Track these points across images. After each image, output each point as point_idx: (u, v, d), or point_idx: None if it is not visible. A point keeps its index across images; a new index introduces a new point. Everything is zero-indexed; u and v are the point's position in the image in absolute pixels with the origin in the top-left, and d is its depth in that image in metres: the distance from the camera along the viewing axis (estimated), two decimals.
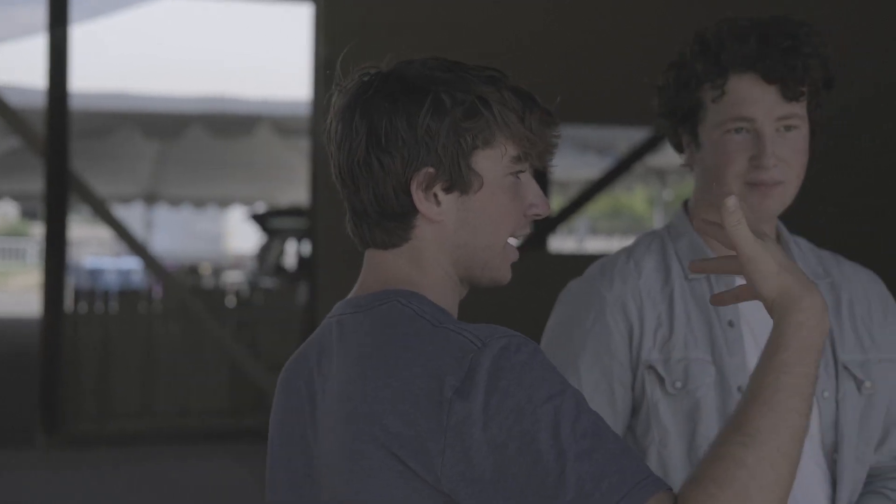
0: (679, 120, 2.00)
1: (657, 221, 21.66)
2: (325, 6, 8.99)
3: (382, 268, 1.48)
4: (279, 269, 16.80)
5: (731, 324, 1.93)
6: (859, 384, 1.97)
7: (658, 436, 1.91)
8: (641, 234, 2.09)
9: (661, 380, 1.92)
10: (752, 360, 1.91)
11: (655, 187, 20.38)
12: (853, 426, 1.95)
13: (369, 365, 1.38)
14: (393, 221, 1.45)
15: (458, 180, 1.43)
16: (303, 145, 11.97)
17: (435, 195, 1.43)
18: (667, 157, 12.81)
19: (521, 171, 1.47)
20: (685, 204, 2.09)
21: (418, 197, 1.43)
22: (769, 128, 1.91)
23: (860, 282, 2.08)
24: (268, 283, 14.86)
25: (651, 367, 1.92)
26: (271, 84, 30.86)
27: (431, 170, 1.42)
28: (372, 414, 1.35)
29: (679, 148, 2.05)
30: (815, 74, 1.92)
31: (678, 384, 1.91)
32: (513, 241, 1.50)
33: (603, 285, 1.96)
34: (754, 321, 1.94)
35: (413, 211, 1.44)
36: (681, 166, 2.10)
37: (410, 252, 1.46)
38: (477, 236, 1.45)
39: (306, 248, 14.79)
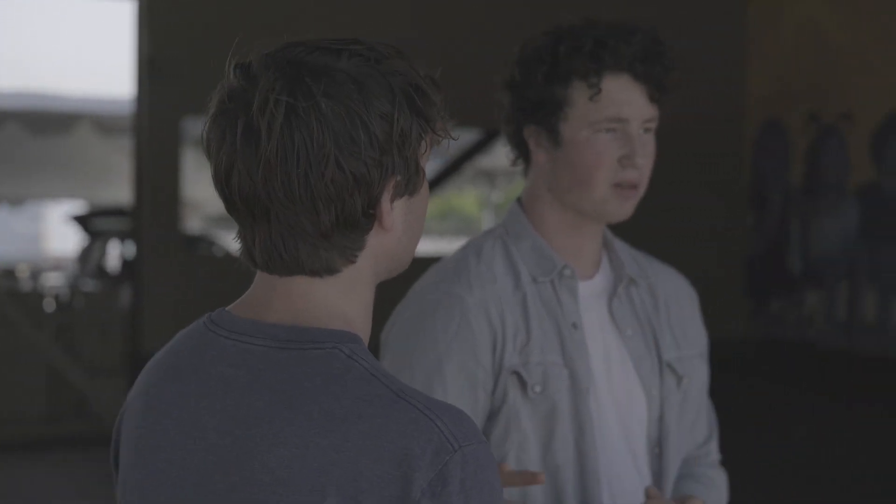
0: (539, 117, 1.96)
1: (487, 223, 21.95)
2: (147, 3, 8.78)
3: (304, 298, 1.25)
4: (101, 272, 16.35)
5: (574, 326, 1.94)
6: (679, 380, 2.03)
7: (518, 441, 1.90)
8: (481, 234, 2.05)
9: (523, 385, 1.90)
10: (593, 362, 1.93)
11: (485, 189, 20.64)
12: (675, 420, 2.01)
13: (307, 426, 1.18)
14: (347, 241, 1.24)
15: (414, 182, 1.26)
16: (125, 144, 11.69)
17: (393, 202, 1.25)
18: (495, 158, 12.96)
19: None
20: (520, 201, 2.05)
21: (385, 209, 1.24)
22: (638, 129, 1.94)
23: (671, 281, 2.12)
24: (89, 285, 14.45)
25: (514, 373, 1.90)
26: (92, 81, 30.09)
27: (399, 177, 1.24)
28: (298, 486, 1.17)
29: (519, 146, 2.01)
30: (671, 79, 1.97)
31: (538, 388, 1.91)
32: None
33: (463, 290, 1.92)
34: (590, 324, 1.96)
35: (369, 226, 1.24)
36: (510, 165, 2.06)
37: (347, 279, 1.26)
38: (413, 238, 1.31)
39: (129, 249, 14.44)
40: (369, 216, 1.23)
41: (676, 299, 2.11)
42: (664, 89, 1.96)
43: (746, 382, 8.07)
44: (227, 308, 1.30)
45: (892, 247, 9.04)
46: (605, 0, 9.50)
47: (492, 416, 1.92)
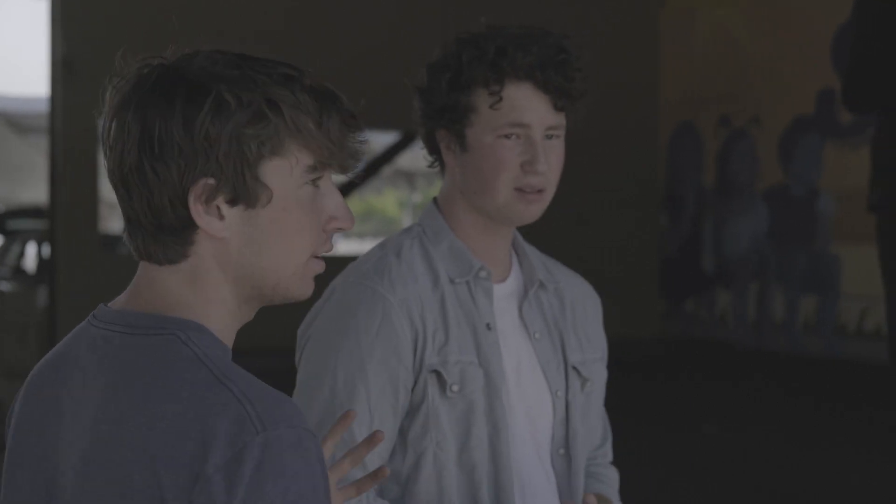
0: (446, 122, 1.99)
1: (407, 224, 21.93)
2: (60, 2, 8.68)
3: (157, 285, 1.32)
4: (18, 272, 16.08)
5: (488, 327, 1.98)
6: (583, 382, 2.07)
7: (436, 439, 1.93)
8: (398, 233, 2.07)
9: (442, 384, 1.93)
10: (505, 362, 1.97)
11: (405, 190, 20.64)
12: (580, 421, 2.06)
13: (130, 404, 1.24)
14: (169, 235, 1.29)
15: (243, 193, 1.27)
16: (41, 143, 11.52)
17: (218, 208, 1.27)
18: (415, 160, 12.99)
19: (319, 180, 1.32)
20: (436, 202, 2.09)
21: (197, 210, 1.26)
22: (540, 135, 1.96)
23: (577, 286, 2.17)
24: (5, 286, 14.21)
25: (434, 371, 1.93)
26: (6, 80, 29.49)
27: (211, 181, 1.25)
28: (119, 461, 1.23)
29: (432, 148, 2.05)
30: (579, 87, 1.98)
31: (455, 387, 1.93)
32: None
33: (384, 288, 1.93)
34: (502, 326, 2.00)
35: (192, 225, 1.28)
36: (428, 167, 2.10)
37: (189, 270, 1.30)
38: (265, 255, 1.30)
39: (47, 250, 14.23)
40: (183, 214, 1.27)
41: (582, 304, 2.15)
42: (568, 97, 1.98)
43: (660, 380, 8.21)
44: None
45: (800, 248, 9.24)
46: (521, 4, 9.61)
47: (410, 413, 1.94)
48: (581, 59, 1.99)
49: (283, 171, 1.28)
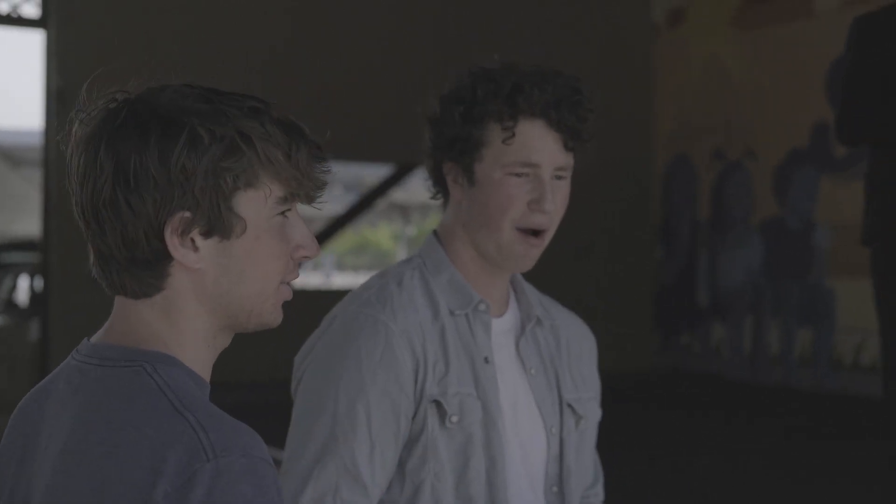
0: (456, 154, 1.99)
1: (401, 257, 21.96)
2: (56, 33, 8.70)
3: (132, 318, 1.33)
4: (10, 305, 16.05)
5: (486, 360, 1.98)
6: (578, 420, 2.08)
7: (434, 470, 1.93)
8: (398, 264, 2.08)
9: (442, 414, 1.93)
10: (502, 397, 1.98)
11: (399, 223, 20.67)
12: (574, 458, 2.06)
13: (92, 434, 1.26)
14: (144, 269, 1.30)
15: (218, 225, 1.29)
16: (34, 176, 11.52)
17: (192, 240, 1.29)
18: (409, 193, 13.01)
19: (289, 211, 1.35)
20: (436, 234, 2.09)
21: (173, 243, 1.28)
22: (549, 175, 1.96)
23: (573, 326, 2.18)
24: None
25: (434, 402, 1.93)
26: (1, 112, 29.63)
27: (188, 214, 1.27)
28: (75, 490, 1.24)
29: (438, 180, 2.06)
30: (590, 128, 2.00)
31: (455, 418, 1.93)
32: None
33: (387, 317, 1.94)
34: (499, 360, 2.00)
35: (167, 258, 1.29)
36: (430, 198, 2.11)
37: (163, 303, 1.32)
38: (240, 284, 1.32)
39: (39, 283, 14.21)
40: (158, 248, 1.29)
41: (578, 343, 2.16)
42: (579, 137, 1.99)
43: (654, 413, 8.19)
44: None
45: (795, 281, 9.24)
46: (517, 39, 9.65)
47: (409, 444, 1.94)
48: (593, 101, 2.01)
49: (257, 203, 1.31)
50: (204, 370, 1.35)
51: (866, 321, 4.26)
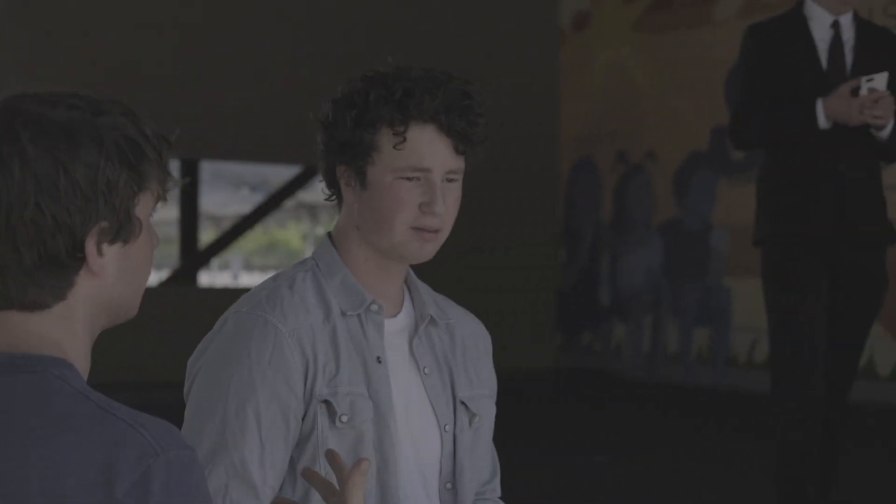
0: (348, 158, 2.01)
1: None
2: None
3: (20, 329, 1.32)
4: None
5: (379, 360, 2.01)
6: (472, 418, 2.11)
7: (325, 469, 1.92)
8: (292, 266, 2.10)
9: (332, 414, 1.95)
10: (394, 395, 2.00)
11: (308, 223, 20.59)
12: (468, 456, 2.09)
13: (21, 440, 1.25)
14: (53, 280, 1.30)
15: (124, 230, 1.32)
16: None
17: (101, 248, 1.31)
18: (318, 193, 12.99)
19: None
20: (330, 236, 2.11)
21: (92, 254, 1.30)
22: (440, 178, 1.99)
23: (468, 324, 2.21)
24: None
25: (325, 402, 1.95)
26: None
27: (105, 223, 1.30)
28: (23, 496, 1.24)
29: (332, 183, 2.08)
30: (481, 132, 2.02)
31: (345, 418, 1.95)
32: None
33: (277, 318, 1.95)
34: (392, 360, 2.03)
35: (77, 268, 1.31)
36: (325, 200, 2.13)
37: (62, 312, 1.33)
38: (132, 284, 1.37)
39: None
40: (75, 258, 1.30)
41: (473, 342, 2.18)
42: (470, 141, 2.01)
43: (555, 412, 8.29)
44: None
45: (693, 282, 9.43)
46: (422, 44, 9.72)
47: (300, 444, 1.96)
48: (484, 105, 2.03)
49: (146, 205, 1.35)
50: (85, 371, 1.37)
51: (761, 320, 4.40)
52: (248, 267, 36.98)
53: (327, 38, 9.25)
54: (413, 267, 2.14)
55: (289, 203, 12.80)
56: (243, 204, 13.98)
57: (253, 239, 28.37)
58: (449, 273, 9.38)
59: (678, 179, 9.57)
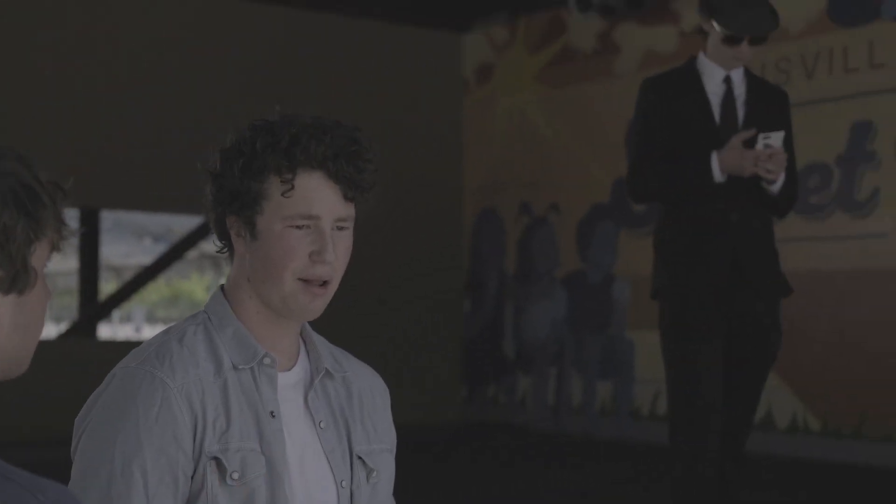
0: (237, 208, 1.99)
1: None
2: None
3: None
4: None
5: (272, 414, 1.98)
6: (369, 473, 2.08)
7: None
8: (183, 320, 2.07)
9: (222, 471, 1.92)
10: (289, 450, 1.97)
11: (211, 274, 20.41)
12: None
13: None
14: None
15: (19, 280, 1.29)
16: None
17: None
18: None
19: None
20: (223, 289, 2.09)
21: None
22: (330, 226, 1.97)
23: (365, 377, 2.18)
24: None
25: (214, 458, 1.92)
26: None
27: (1, 272, 1.27)
28: None
29: (222, 234, 2.06)
30: (370, 178, 2.01)
31: (236, 475, 1.92)
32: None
33: (165, 373, 1.91)
34: (287, 414, 2.00)
35: None
36: (217, 252, 2.11)
37: None
38: (26, 337, 1.33)
39: None
40: None
41: (370, 395, 2.16)
42: (359, 188, 2.00)
43: (459, 464, 8.26)
44: None
45: (596, 334, 9.50)
46: (326, 93, 9.68)
47: (190, 501, 1.92)
48: (373, 152, 2.02)
49: (42, 254, 1.32)
50: None
51: (663, 372, 4.44)
52: (151, 319, 36.54)
53: (230, 88, 9.20)
54: (315, 322, 2.11)
55: (192, 254, 12.65)
56: (146, 255, 13.80)
57: (156, 290, 28.04)
58: (353, 324, 9.34)
59: (581, 231, 9.65)
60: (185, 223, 11.87)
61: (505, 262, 10.33)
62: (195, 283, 35.84)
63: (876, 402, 7.53)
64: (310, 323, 2.11)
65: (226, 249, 2.08)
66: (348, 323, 9.28)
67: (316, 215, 1.96)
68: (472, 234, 10.64)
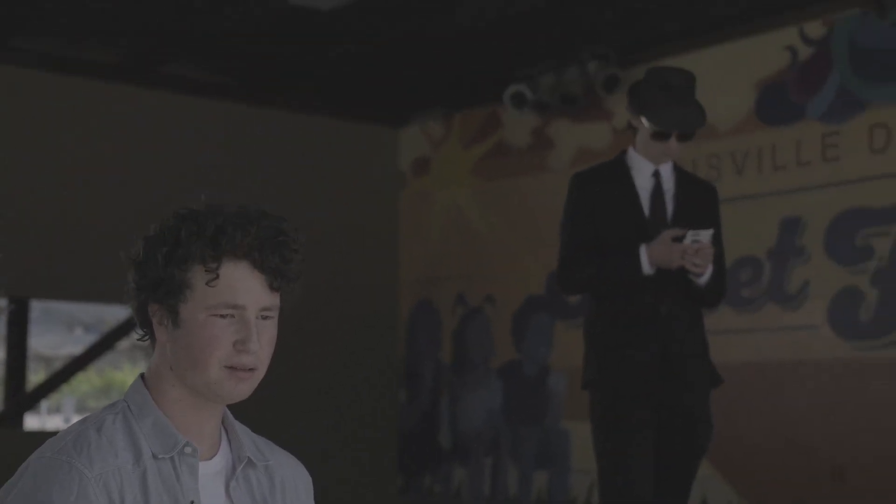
0: (160, 296, 1.99)
1: None
2: None
3: None
4: None
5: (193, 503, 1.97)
6: None
7: None
8: (102, 409, 2.06)
9: None
10: None
11: (144, 364, 20.12)
12: None
13: None
14: None
15: None
16: None
17: None
18: None
19: None
20: (143, 377, 2.08)
21: None
22: (254, 315, 1.98)
23: (288, 465, 2.19)
24: None
25: None
26: None
27: None
28: None
29: (144, 322, 2.06)
30: (296, 269, 2.03)
31: None
32: None
33: (82, 463, 1.89)
34: (208, 503, 2.00)
35: None
36: (138, 340, 2.10)
37: None
38: None
39: None
40: None
41: (293, 484, 2.17)
42: (285, 278, 2.02)
43: None
44: None
45: (531, 425, 9.50)
46: (260, 186, 9.69)
47: None
48: (299, 242, 2.04)
49: None
50: None
51: None
52: (82, 410, 35.91)
53: (160, 178, 9.18)
54: (249, 409, 2.11)
55: (124, 344, 12.51)
56: (77, 345, 13.62)
57: (87, 381, 27.60)
58: (289, 414, 9.27)
59: (516, 322, 9.69)
60: (117, 313, 11.76)
61: (441, 352, 10.34)
62: (127, 374, 35.29)
63: (809, 491, 7.59)
64: (246, 411, 2.12)
65: (147, 338, 2.08)
66: (285, 413, 9.20)
67: (241, 305, 1.97)
68: (408, 326, 10.65)
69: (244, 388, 2.00)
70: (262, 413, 2.15)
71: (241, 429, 2.14)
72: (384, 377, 10.45)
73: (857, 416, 7.43)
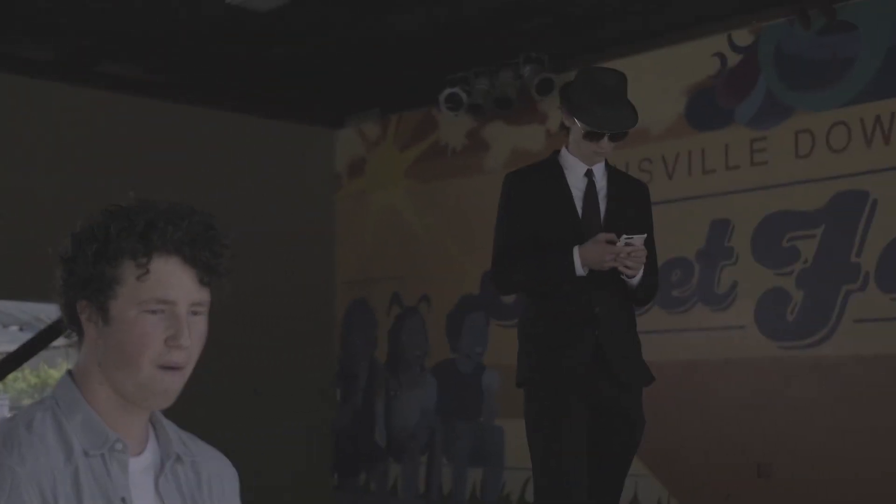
0: (89, 293, 1.99)
1: None
2: None
3: None
4: None
5: (123, 500, 1.99)
6: None
7: None
8: (30, 406, 2.05)
9: None
10: None
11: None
12: None
13: None
14: None
15: None
16: None
17: None
18: None
19: None
20: (71, 374, 2.08)
21: None
22: (185, 311, 1.99)
23: (214, 461, 2.21)
24: None
25: None
26: None
27: None
28: None
29: (72, 319, 2.05)
30: (226, 264, 2.05)
31: None
32: None
33: (14, 461, 1.89)
34: (138, 499, 2.01)
35: None
36: (65, 337, 2.11)
37: None
38: None
39: None
40: None
41: (219, 479, 2.18)
42: (215, 272, 2.03)
43: None
44: None
45: (465, 422, 9.57)
46: (198, 186, 9.66)
47: None
48: (228, 238, 2.06)
49: None
50: None
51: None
52: (17, 408, 35.40)
53: (99, 177, 9.13)
54: (184, 407, 2.13)
55: (60, 341, 12.38)
56: (13, 343, 13.47)
57: (25, 378, 27.19)
58: (223, 412, 9.24)
59: (451, 322, 9.76)
60: (53, 311, 11.65)
61: (376, 352, 10.38)
62: (63, 371, 34.76)
63: (738, 487, 7.72)
64: (181, 409, 2.14)
65: (75, 335, 2.07)
66: (220, 410, 9.17)
67: (172, 300, 1.98)
68: (344, 325, 10.67)
69: (174, 389, 2.01)
70: (196, 410, 2.18)
71: (167, 424, 2.15)
72: (320, 376, 10.47)
73: (783, 413, 7.58)
